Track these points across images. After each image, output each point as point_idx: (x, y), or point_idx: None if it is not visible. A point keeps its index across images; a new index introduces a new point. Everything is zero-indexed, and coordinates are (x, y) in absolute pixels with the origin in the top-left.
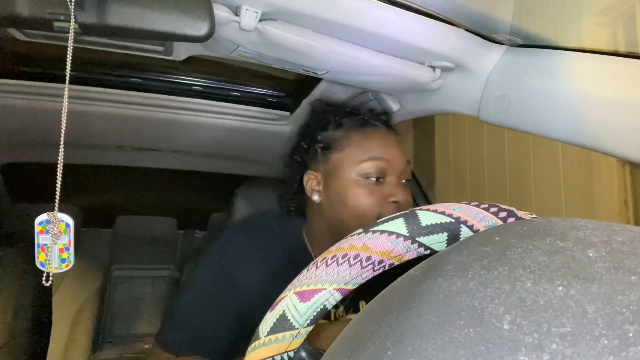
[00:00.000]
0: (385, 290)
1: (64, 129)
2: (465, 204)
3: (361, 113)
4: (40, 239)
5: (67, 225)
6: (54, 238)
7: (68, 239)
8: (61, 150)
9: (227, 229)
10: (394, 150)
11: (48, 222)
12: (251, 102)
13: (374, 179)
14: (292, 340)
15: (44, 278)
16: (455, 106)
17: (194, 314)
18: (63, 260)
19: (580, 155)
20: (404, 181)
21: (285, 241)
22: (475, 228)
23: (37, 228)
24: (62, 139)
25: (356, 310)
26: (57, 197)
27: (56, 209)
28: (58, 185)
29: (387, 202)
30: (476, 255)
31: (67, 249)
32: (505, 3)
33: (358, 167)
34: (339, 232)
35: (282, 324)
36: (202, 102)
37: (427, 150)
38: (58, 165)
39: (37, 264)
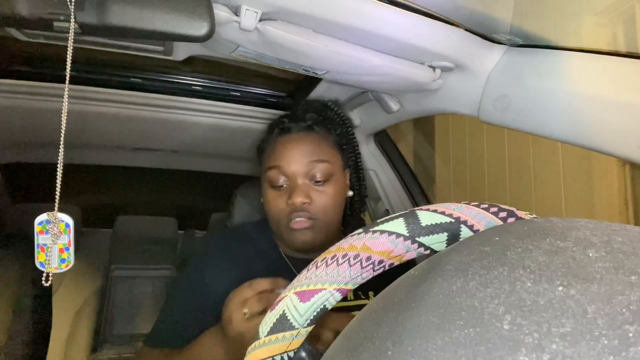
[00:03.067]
0: (385, 290)
1: (63, 129)
2: (465, 204)
3: (285, 119)
4: (40, 239)
5: (67, 225)
6: (54, 238)
7: (68, 239)
8: (61, 150)
9: (205, 243)
10: (294, 155)
11: (48, 222)
12: (251, 102)
13: (277, 186)
14: (292, 340)
15: (43, 278)
16: (455, 106)
17: (173, 323)
18: (63, 261)
19: (580, 155)
20: (312, 182)
21: (258, 243)
22: (475, 228)
23: (37, 228)
24: (62, 139)
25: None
26: (57, 197)
27: (56, 208)
28: (58, 185)
29: (288, 206)
30: (476, 255)
31: (67, 249)
32: (505, 3)
33: (265, 174)
34: (275, 232)
35: (282, 324)
36: (202, 102)
37: (427, 150)
38: (58, 166)
39: (37, 264)
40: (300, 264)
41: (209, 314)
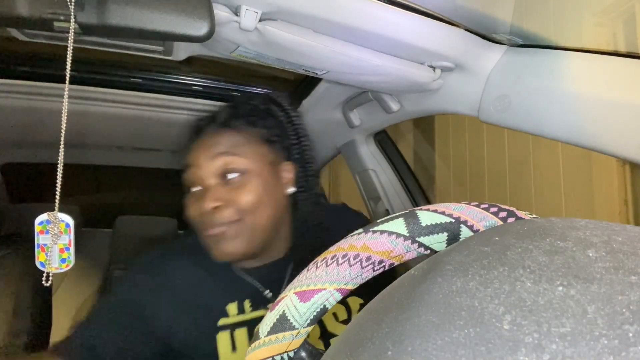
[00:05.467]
0: (385, 290)
1: (63, 129)
2: (465, 204)
3: (201, 120)
4: (40, 239)
5: (67, 225)
6: (54, 238)
7: (68, 239)
8: (61, 150)
9: (140, 260)
10: (202, 154)
11: (48, 222)
12: None
13: (192, 191)
14: (292, 340)
15: (43, 278)
16: (455, 106)
17: (91, 338)
18: (63, 261)
19: (580, 155)
20: (225, 181)
21: (207, 255)
22: (475, 228)
23: (37, 228)
24: (62, 138)
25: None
26: (57, 197)
27: (56, 208)
28: (58, 185)
29: (201, 213)
30: (476, 255)
31: (68, 249)
32: (505, 3)
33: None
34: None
35: (282, 324)
36: (202, 102)
37: (427, 150)
38: (58, 166)
39: (37, 264)
40: (259, 273)
41: (141, 340)
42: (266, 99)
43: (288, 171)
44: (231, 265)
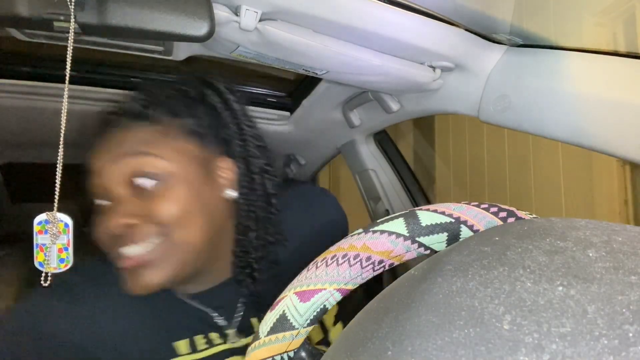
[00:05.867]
0: (385, 290)
1: (63, 128)
2: (465, 204)
3: (111, 113)
4: (39, 238)
5: (66, 225)
6: (53, 238)
7: (67, 239)
8: (60, 150)
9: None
10: (105, 158)
11: (47, 222)
12: (251, 102)
13: (98, 205)
14: (292, 340)
15: (42, 278)
16: (455, 106)
17: None
18: (62, 260)
19: (580, 155)
20: (138, 190)
21: None
22: (475, 228)
23: (36, 228)
24: (61, 138)
25: (247, 330)
26: (57, 197)
27: (55, 208)
28: (57, 185)
29: (108, 234)
30: (476, 255)
31: (66, 249)
32: (505, 3)
33: None
34: None
35: (282, 324)
36: None
37: (427, 150)
38: (57, 165)
39: (36, 264)
40: (210, 297)
41: None
42: (197, 82)
43: (226, 170)
44: (172, 290)
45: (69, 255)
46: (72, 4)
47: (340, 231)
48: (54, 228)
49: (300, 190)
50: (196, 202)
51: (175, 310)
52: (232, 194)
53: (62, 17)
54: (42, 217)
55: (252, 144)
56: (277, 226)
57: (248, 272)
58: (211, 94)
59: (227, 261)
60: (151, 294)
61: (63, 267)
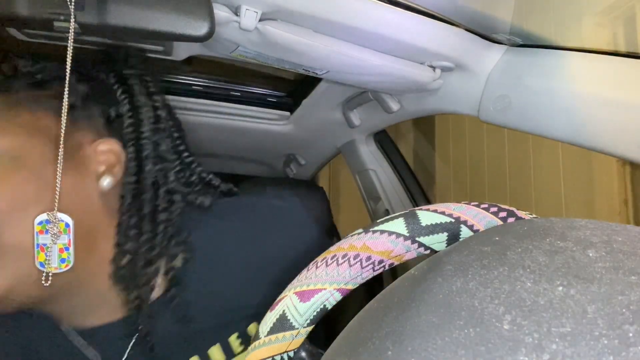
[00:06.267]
0: (385, 290)
1: (63, 128)
2: (465, 204)
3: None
4: (40, 238)
5: (67, 225)
6: (53, 238)
7: (68, 238)
8: (61, 150)
9: None
10: None
11: (48, 221)
12: (251, 102)
13: None
14: (292, 340)
15: (43, 278)
16: (455, 106)
17: None
18: (63, 260)
19: (580, 155)
20: None
21: (36, 315)
22: (475, 228)
23: (36, 228)
24: (61, 138)
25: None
26: (57, 196)
27: (56, 208)
28: (58, 184)
29: None
30: (476, 255)
31: (67, 248)
32: (505, 3)
33: None
34: None
35: (282, 324)
36: (202, 102)
37: (427, 150)
38: (58, 165)
39: (37, 264)
40: (91, 335)
41: None
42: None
43: (106, 154)
44: (57, 323)
45: (70, 255)
46: (72, 4)
47: (303, 252)
48: (54, 228)
49: (257, 202)
50: (43, 193)
51: (51, 346)
52: (105, 183)
53: (62, 17)
54: (42, 217)
55: (149, 125)
56: (181, 236)
57: (135, 301)
58: (101, 58)
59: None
60: (26, 322)
61: (64, 267)
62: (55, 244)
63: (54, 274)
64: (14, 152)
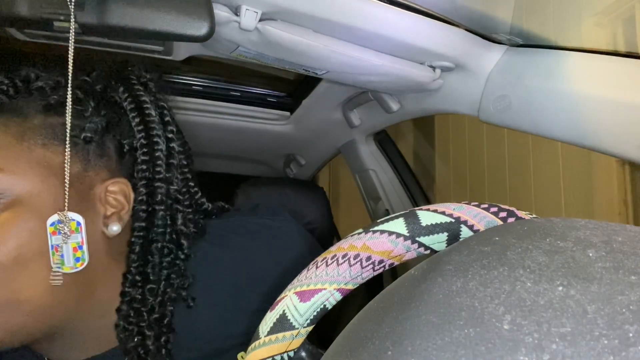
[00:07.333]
0: (385, 290)
1: (68, 128)
2: (465, 204)
3: None
4: (53, 239)
5: (79, 223)
6: (65, 237)
7: (81, 237)
8: (67, 150)
9: None
10: None
11: (59, 222)
12: (251, 102)
13: None
14: (292, 340)
15: (53, 278)
16: (455, 106)
17: None
18: (78, 259)
19: (580, 155)
20: None
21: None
22: (475, 228)
23: (49, 229)
24: (67, 138)
25: None
26: (66, 196)
27: (66, 207)
28: (66, 183)
29: None
30: (476, 255)
31: (81, 247)
32: (505, 3)
33: None
34: None
35: (282, 323)
36: (202, 102)
37: (427, 150)
38: (65, 166)
39: (53, 266)
40: None
41: None
42: (100, 70)
43: (116, 196)
44: (39, 353)
45: (84, 253)
46: (72, 4)
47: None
48: (65, 227)
49: (247, 223)
50: (46, 248)
51: None
52: (114, 229)
53: (62, 17)
54: (54, 217)
55: (163, 162)
56: (184, 277)
57: (138, 341)
58: (114, 86)
59: (112, 320)
60: (10, 355)
61: (79, 266)
62: (66, 243)
63: (50, 319)
64: (19, 192)
